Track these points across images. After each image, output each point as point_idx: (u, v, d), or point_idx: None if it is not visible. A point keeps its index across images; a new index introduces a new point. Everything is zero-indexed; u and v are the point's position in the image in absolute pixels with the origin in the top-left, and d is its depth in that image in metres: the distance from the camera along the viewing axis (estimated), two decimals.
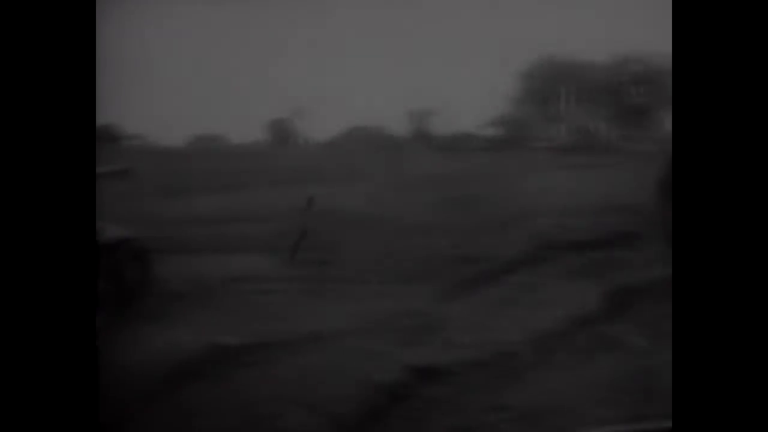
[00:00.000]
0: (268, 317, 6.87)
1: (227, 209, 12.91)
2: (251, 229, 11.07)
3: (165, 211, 12.28)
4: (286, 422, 4.48)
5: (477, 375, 5.49)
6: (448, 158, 24.99)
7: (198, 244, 9.98)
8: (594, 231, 9.24)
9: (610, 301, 7.07)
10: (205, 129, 25.85)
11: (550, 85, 29.57)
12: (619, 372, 5.12)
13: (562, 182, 15.13)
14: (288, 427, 4.47)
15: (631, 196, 11.03)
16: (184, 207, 13.16)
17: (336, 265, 9.39)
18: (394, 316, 6.97)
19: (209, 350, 5.66)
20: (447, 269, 8.76)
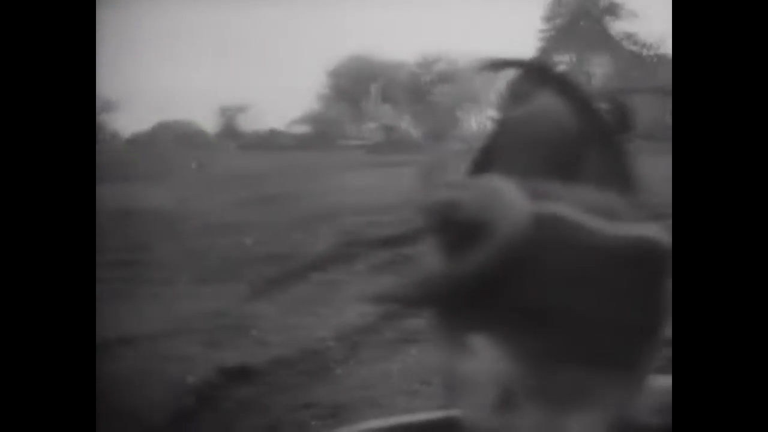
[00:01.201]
0: None
1: None
2: None
3: None
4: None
5: (286, 373, 5.55)
6: (257, 155, 25.03)
7: None
8: (401, 227, 9.54)
9: None
10: None
11: (360, 83, 30.29)
12: (426, 363, 5.28)
13: (371, 180, 15.52)
14: None
15: None
16: None
17: (144, 265, 9.17)
18: (202, 316, 6.90)
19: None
20: (253, 268, 8.79)
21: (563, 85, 0.80)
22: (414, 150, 25.61)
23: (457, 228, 0.68)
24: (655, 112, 29.48)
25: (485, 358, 0.68)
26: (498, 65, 0.82)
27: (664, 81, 29.96)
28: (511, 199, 0.66)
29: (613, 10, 35.36)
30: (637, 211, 0.70)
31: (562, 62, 32.62)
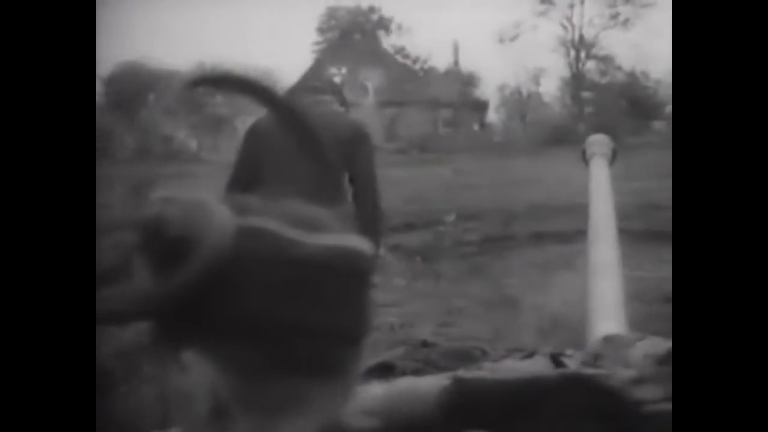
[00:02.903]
0: None
1: None
2: None
3: None
4: None
5: None
6: None
7: None
8: None
9: None
10: None
11: (135, 91, 27.57)
12: None
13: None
14: None
15: None
16: None
17: None
18: None
19: None
20: None
21: (271, 99, 0.82)
22: (192, 161, 24.07)
23: (163, 243, 0.68)
24: (426, 124, 30.39)
25: (197, 372, 0.69)
26: (204, 81, 0.85)
27: (435, 94, 31.59)
28: (214, 214, 0.68)
29: (384, 25, 36.00)
30: (342, 223, 0.71)
31: (337, 74, 32.46)
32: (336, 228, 0.70)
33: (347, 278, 0.70)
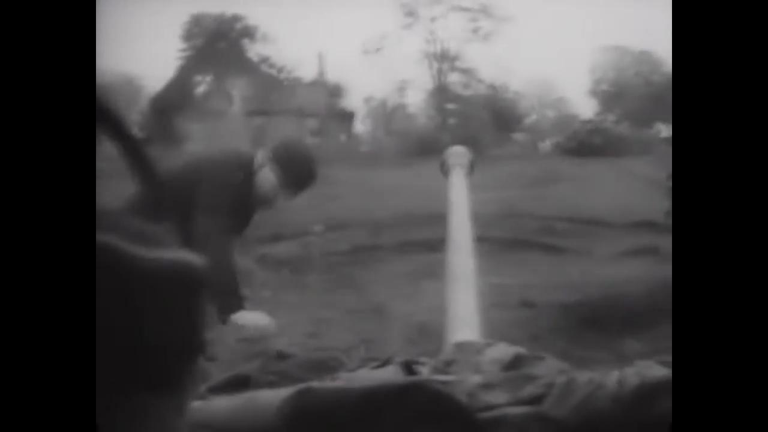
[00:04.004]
0: None
1: None
2: None
3: None
4: None
5: None
6: None
7: None
8: None
9: None
10: None
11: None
12: None
13: None
14: None
15: None
16: None
17: None
18: None
19: None
20: None
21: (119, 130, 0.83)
22: None
23: None
24: (293, 134, 30.22)
25: None
26: None
27: (301, 104, 31.38)
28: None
29: (249, 33, 35.38)
30: (173, 238, 0.73)
31: (202, 83, 31.74)
32: (170, 243, 0.70)
33: (180, 290, 0.69)
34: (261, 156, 3.50)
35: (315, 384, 1.03)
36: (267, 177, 3.47)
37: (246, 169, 3.49)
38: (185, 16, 33.99)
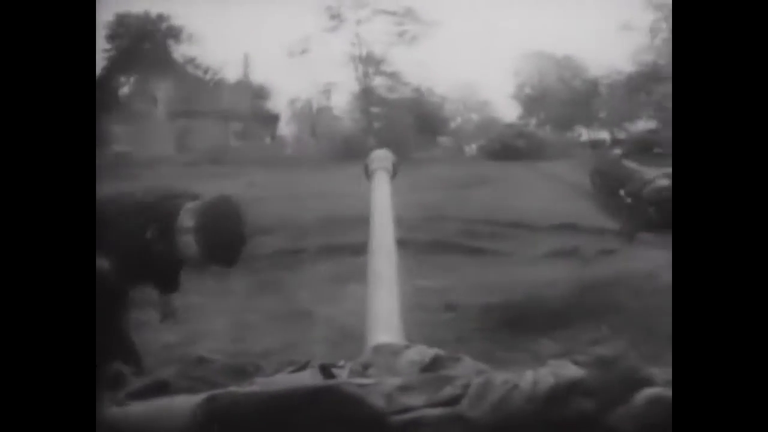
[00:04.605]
0: None
1: None
2: None
3: None
4: None
5: None
6: None
7: None
8: None
9: None
10: None
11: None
12: None
13: None
14: None
15: None
16: None
17: None
18: None
19: None
20: None
21: None
22: None
23: None
24: (218, 136, 29.91)
25: None
26: None
27: (226, 106, 31.13)
28: None
29: (174, 34, 34.84)
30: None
31: (126, 84, 31.11)
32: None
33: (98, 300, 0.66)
34: (185, 218, 2.94)
35: (230, 389, 1.03)
36: (189, 244, 2.93)
37: (163, 225, 2.97)
38: (111, 16, 33.35)
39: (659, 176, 11.18)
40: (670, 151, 12.69)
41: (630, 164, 12.93)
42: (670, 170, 11.47)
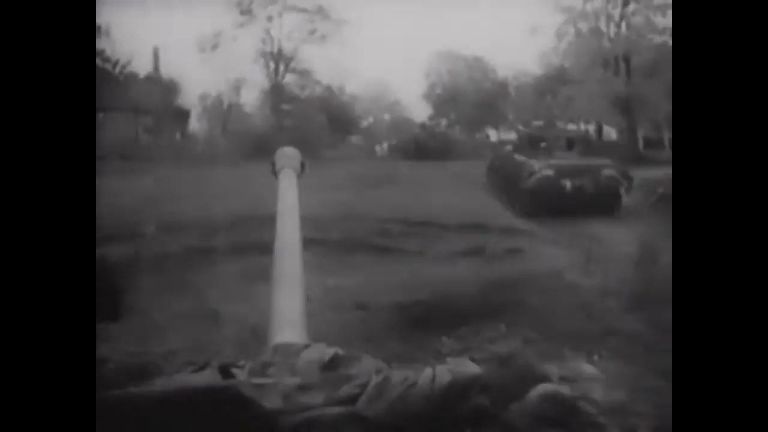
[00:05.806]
0: None
1: None
2: None
3: None
4: None
5: None
6: None
7: None
8: None
9: None
10: None
11: None
12: None
13: None
14: None
15: None
16: None
17: None
18: None
19: None
20: None
21: None
22: None
23: None
24: (127, 131, 29.24)
25: None
26: None
27: (135, 100, 30.44)
28: None
29: None
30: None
31: None
32: None
33: None
34: None
35: (128, 390, 1.02)
36: None
37: None
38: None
39: (543, 167, 12.23)
40: (554, 145, 13.98)
41: (519, 158, 13.66)
42: (553, 161, 12.49)
